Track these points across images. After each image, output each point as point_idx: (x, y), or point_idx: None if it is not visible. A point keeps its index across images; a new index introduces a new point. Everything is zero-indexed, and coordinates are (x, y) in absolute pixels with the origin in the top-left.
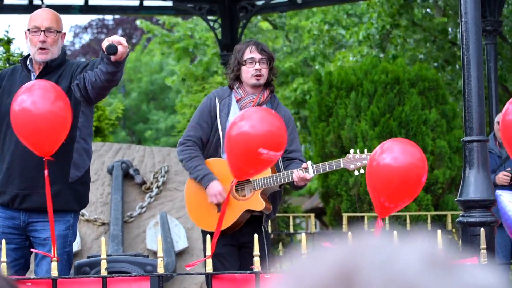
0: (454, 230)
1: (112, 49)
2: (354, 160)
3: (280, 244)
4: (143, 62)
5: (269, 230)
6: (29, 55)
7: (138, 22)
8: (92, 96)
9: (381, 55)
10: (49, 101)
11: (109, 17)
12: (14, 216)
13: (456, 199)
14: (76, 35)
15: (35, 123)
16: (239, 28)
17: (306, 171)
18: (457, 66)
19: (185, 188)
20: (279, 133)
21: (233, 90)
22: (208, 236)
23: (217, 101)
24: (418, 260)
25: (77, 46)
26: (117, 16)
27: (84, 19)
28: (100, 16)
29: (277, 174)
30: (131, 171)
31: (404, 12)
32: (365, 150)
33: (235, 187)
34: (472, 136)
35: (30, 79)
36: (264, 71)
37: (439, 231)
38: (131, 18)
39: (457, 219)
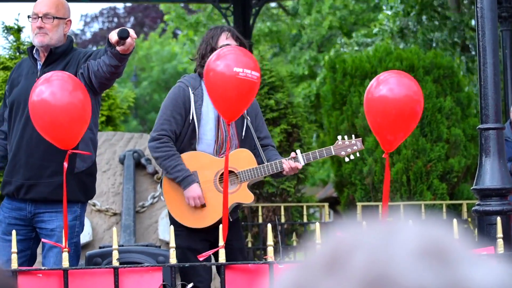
0: (469, 219)
1: (125, 33)
2: (344, 147)
3: (294, 234)
4: (153, 51)
5: (283, 220)
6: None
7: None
8: (96, 86)
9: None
10: (67, 92)
11: (120, 5)
12: (21, 207)
13: (471, 188)
14: (86, 24)
15: (54, 116)
16: (251, 16)
17: (296, 160)
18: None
19: (164, 184)
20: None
21: (203, 78)
22: (220, 226)
23: (190, 91)
24: (410, 248)
25: (88, 35)
26: (128, 4)
27: (95, 8)
28: (111, 5)
29: (264, 165)
30: (143, 161)
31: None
32: (353, 136)
33: (219, 179)
34: (488, 124)
35: (36, 68)
36: None
37: (454, 220)
38: (142, 6)
39: (472, 208)
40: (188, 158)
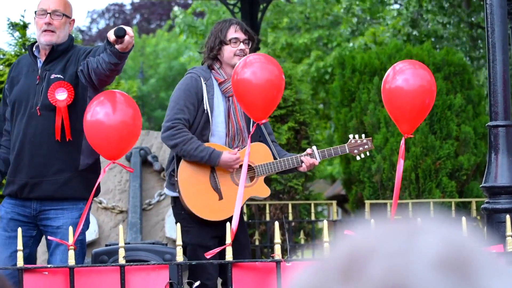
0: (479, 217)
1: (121, 31)
2: (357, 146)
3: (302, 232)
4: (160, 48)
5: (290, 218)
6: (36, 41)
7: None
8: (95, 82)
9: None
10: (121, 112)
11: (127, 2)
12: (25, 204)
13: (481, 186)
14: (93, 20)
15: (107, 134)
16: (259, 12)
17: (312, 157)
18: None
19: (179, 175)
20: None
21: (212, 70)
22: (228, 224)
23: (203, 82)
24: (430, 256)
25: (94, 31)
26: (136, 0)
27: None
28: (118, 1)
29: (282, 160)
30: (149, 158)
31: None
32: (363, 135)
33: (235, 172)
34: (498, 121)
35: (36, 66)
36: (247, 52)
37: (463, 219)
38: (149, 3)
39: (482, 206)
40: None
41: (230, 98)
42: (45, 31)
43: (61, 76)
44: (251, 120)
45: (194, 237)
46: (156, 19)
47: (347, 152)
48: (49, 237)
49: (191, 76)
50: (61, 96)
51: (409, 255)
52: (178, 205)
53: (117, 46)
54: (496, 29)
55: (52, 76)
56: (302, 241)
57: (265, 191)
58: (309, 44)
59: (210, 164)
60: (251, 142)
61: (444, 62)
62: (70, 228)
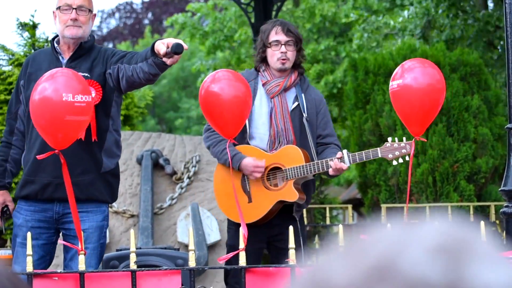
0: (497, 221)
1: (180, 48)
2: (393, 149)
3: (316, 237)
4: None
5: (305, 221)
6: (57, 36)
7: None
8: (123, 88)
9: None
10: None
11: (137, 1)
12: (46, 208)
13: (499, 189)
14: (103, 20)
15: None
16: (273, 12)
17: (342, 161)
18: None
19: (214, 177)
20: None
21: (259, 72)
22: (241, 230)
23: None
24: (427, 243)
25: (104, 31)
26: (146, 0)
27: (111, 3)
28: (128, 0)
29: (311, 163)
30: (161, 161)
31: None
32: (404, 139)
33: (267, 176)
34: None
35: (59, 62)
36: (290, 54)
37: (482, 223)
38: (160, 1)
39: (501, 210)
40: (240, 151)
41: (273, 100)
42: (70, 25)
43: (88, 75)
44: (301, 122)
45: (231, 239)
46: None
47: (380, 156)
48: (59, 241)
49: None
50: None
51: (408, 241)
52: None
53: (167, 61)
54: None
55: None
56: (317, 246)
57: (293, 195)
58: (316, 54)
59: (233, 167)
60: (299, 143)
61: (460, 63)
62: (81, 233)
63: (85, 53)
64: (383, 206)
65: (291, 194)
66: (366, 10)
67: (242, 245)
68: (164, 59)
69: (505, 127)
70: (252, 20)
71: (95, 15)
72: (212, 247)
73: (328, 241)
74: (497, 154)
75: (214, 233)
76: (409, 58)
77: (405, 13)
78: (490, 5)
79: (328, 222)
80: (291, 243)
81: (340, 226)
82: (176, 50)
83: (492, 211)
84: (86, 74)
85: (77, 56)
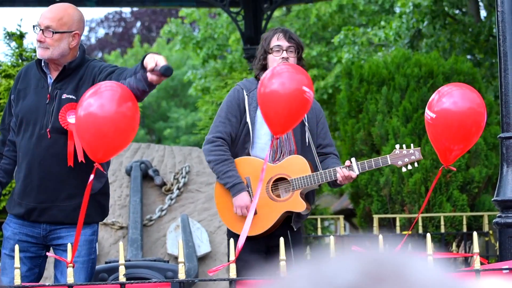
0: (491, 231)
1: (169, 71)
2: (402, 156)
3: (308, 248)
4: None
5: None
6: None
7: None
8: None
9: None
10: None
11: (126, 10)
12: (34, 225)
13: (493, 199)
14: (91, 29)
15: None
16: (263, 20)
17: (350, 169)
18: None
19: (215, 189)
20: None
21: (259, 81)
22: (232, 240)
23: (245, 93)
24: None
25: (92, 40)
26: (135, 9)
27: (100, 12)
28: (117, 9)
29: (318, 172)
30: (150, 172)
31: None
32: (412, 145)
33: (271, 186)
34: (510, 133)
35: (46, 82)
36: (292, 60)
37: (474, 233)
38: (149, 10)
39: (494, 220)
40: (241, 163)
41: None
42: (39, 46)
43: (73, 97)
44: (303, 132)
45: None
46: (158, 28)
47: (389, 163)
48: (47, 253)
49: (234, 88)
50: (74, 119)
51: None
52: None
53: (150, 78)
54: (507, 37)
55: (64, 96)
56: (308, 257)
57: (301, 206)
58: (309, 60)
59: (231, 192)
60: (302, 153)
61: (454, 71)
62: (69, 245)
63: (71, 73)
64: (375, 216)
65: (298, 204)
66: (351, 23)
67: (232, 256)
68: (148, 74)
69: (498, 136)
70: (242, 29)
71: (77, 33)
72: (202, 259)
73: (319, 253)
74: (491, 164)
75: (204, 244)
76: (403, 67)
77: (393, 24)
78: (483, 12)
79: (319, 233)
80: (282, 255)
81: (332, 237)
82: (165, 72)
83: (485, 221)
84: (71, 97)
85: (64, 76)
